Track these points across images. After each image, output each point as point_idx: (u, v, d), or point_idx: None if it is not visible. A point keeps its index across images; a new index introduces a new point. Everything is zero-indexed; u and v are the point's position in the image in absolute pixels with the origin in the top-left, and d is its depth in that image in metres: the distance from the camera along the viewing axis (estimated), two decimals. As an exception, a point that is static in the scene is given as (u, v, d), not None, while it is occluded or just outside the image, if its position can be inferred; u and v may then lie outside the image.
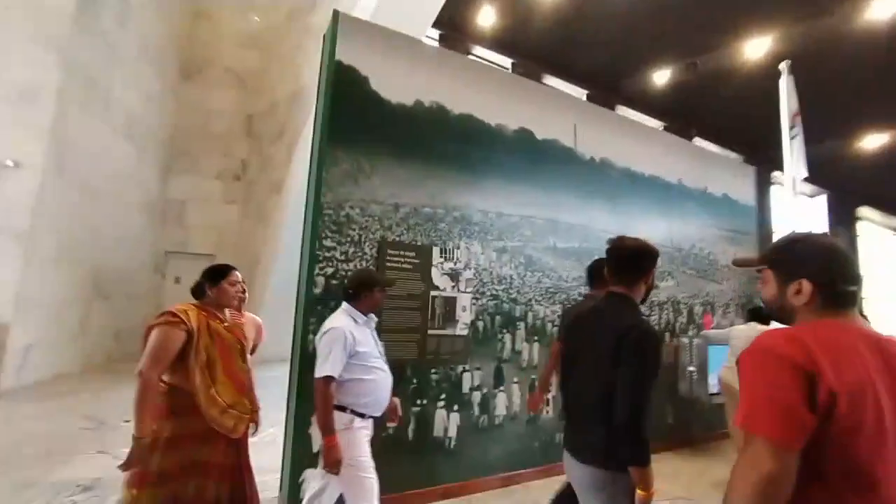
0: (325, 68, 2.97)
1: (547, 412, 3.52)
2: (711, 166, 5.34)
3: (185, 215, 8.75)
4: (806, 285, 0.94)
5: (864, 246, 16.42)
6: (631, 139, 4.43)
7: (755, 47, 9.86)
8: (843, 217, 16.39)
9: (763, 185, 15.74)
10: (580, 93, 13.17)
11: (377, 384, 2.06)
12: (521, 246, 3.55)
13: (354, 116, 2.90)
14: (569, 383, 1.64)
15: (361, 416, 2.01)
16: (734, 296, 5.23)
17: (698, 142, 14.62)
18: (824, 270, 0.94)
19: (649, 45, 10.84)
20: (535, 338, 3.53)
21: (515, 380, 3.40)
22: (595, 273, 2.66)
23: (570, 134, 3.91)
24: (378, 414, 2.10)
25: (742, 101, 11.43)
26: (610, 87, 12.91)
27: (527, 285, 3.55)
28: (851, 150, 13.19)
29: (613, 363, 1.42)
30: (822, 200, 16.68)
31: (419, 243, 3.07)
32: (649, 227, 4.35)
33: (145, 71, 7.85)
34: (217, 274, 2.05)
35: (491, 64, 9.97)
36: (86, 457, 3.45)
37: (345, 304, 2.15)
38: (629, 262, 1.59)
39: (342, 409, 1.97)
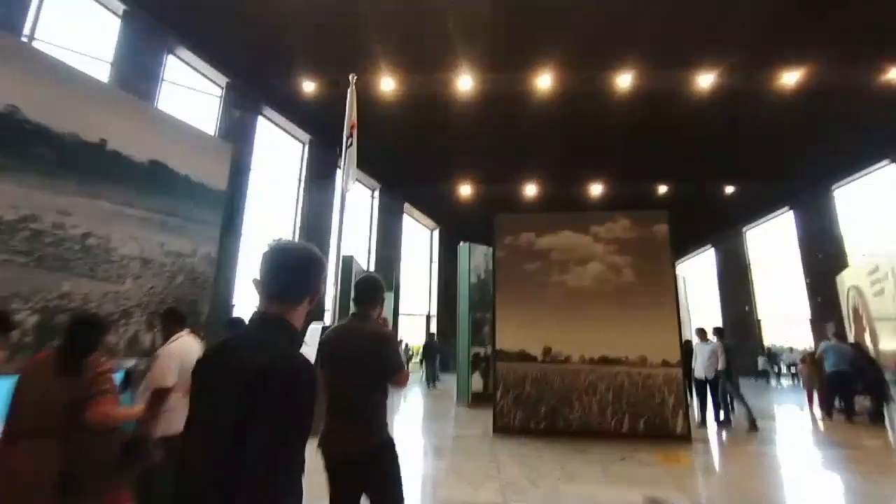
0: None
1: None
2: (127, 118, 3.83)
3: None
4: None
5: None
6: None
7: (387, 84, 10.56)
8: (450, 244, 20.90)
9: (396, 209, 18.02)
10: (220, 78, 10.74)
11: None
12: None
13: None
14: (187, 454, 1.00)
15: None
16: (149, 301, 3.67)
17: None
18: None
19: (300, 51, 9.81)
20: None
21: None
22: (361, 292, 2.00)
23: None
24: None
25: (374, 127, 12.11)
26: (256, 81, 11.13)
27: None
28: (456, 194, 16.67)
29: (238, 425, 0.87)
30: (437, 233, 20.87)
31: None
32: None
33: None
34: None
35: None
36: None
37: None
38: (297, 273, 1.12)
39: None
